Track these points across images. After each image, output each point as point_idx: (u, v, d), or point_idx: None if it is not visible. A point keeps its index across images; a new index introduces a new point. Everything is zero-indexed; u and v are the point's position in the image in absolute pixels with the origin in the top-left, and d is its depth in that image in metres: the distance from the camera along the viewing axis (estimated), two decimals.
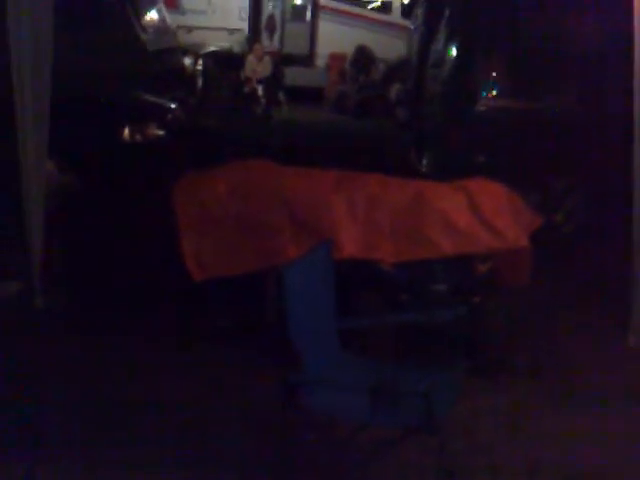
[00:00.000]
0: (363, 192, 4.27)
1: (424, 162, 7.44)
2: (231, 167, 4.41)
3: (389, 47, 13.08)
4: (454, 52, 6.93)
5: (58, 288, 4.48)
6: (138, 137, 6.11)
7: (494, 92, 6.62)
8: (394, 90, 11.64)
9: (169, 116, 6.78)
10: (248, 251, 4.10)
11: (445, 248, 4.15)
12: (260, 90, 12.01)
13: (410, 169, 7.40)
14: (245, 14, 13.91)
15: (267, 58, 12.57)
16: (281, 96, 12.55)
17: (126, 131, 6.05)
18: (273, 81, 12.41)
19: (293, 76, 13.67)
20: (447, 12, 7.60)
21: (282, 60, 13.75)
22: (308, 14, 14.45)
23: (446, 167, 6.69)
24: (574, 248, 5.82)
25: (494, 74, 6.64)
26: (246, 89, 11.95)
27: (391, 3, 14.26)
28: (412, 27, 10.48)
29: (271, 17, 14.33)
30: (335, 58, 13.81)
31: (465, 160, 6.40)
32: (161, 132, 6.33)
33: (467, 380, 3.58)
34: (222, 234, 4.13)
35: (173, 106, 6.98)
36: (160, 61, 8.83)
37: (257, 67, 12.31)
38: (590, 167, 6.02)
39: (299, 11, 14.54)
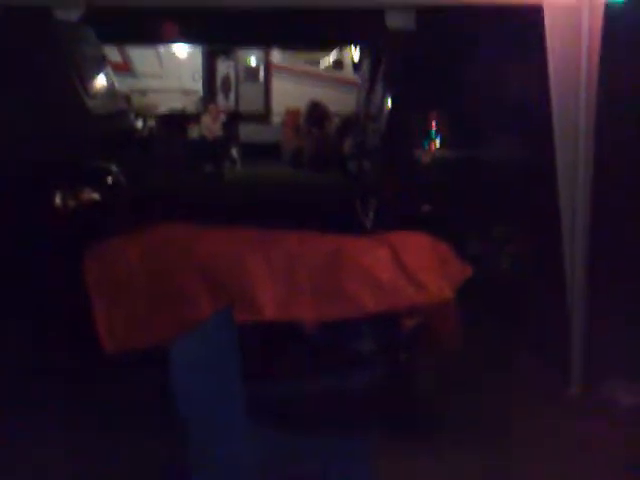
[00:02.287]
0: (280, 250, 4.13)
1: (368, 215, 7.42)
2: (143, 231, 4.27)
3: (342, 102, 13.27)
4: (391, 105, 7.00)
5: None
6: (71, 202, 5.99)
7: (432, 144, 6.66)
8: (347, 144, 11.71)
9: (109, 179, 6.69)
10: (163, 320, 3.92)
11: (367, 304, 3.99)
12: (215, 148, 12.03)
13: (355, 222, 7.37)
14: (199, 76, 14.08)
15: (222, 117, 12.65)
16: (234, 153, 12.60)
17: (57, 196, 5.93)
18: (227, 139, 12.47)
19: (249, 133, 13.80)
20: (384, 67, 7.72)
21: (237, 118, 13.86)
22: (262, 74, 14.68)
23: (388, 219, 6.68)
24: (512, 297, 5.75)
25: (431, 126, 6.70)
26: (200, 148, 11.98)
27: (342, 61, 14.52)
28: (359, 82, 10.64)
29: (226, 78, 14.53)
30: (290, 114, 13.97)
31: (406, 211, 6.40)
32: (97, 196, 6.22)
33: (393, 444, 3.43)
34: (134, 302, 3.94)
35: (114, 169, 6.90)
36: (107, 124, 8.83)
37: (212, 126, 12.37)
38: (532, 213, 6.00)
39: (253, 71, 14.78)
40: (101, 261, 4.12)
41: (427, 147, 6.63)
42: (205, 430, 2.70)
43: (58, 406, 3.91)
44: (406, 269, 4.19)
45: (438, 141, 6.66)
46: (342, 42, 12.90)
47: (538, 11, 3.84)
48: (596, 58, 3.88)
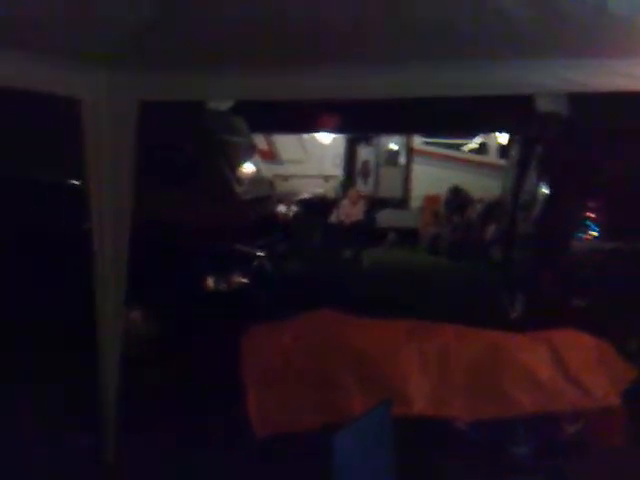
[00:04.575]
0: (436, 343, 4.09)
1: (515, 306, 7.14)
2: (298, 319, 4.35)
3: (486, 187, 13.03)
4: (546, 192, 6.78)
5: (130, 442, 4.41)
6: (223, 286, 6.23)
7: (588, 233, 6.37)
8: (490, 230, 11.47)
9: (255, 264, 6.91)
10: (313, 406, 3.97)
11: (526, 405, 3.85)
12: (353, 233, 12.17)
13: (500, 313, 7.12)
14: (340, 161, 14.39)
15: (361, 202, 12.83)
16: (392, 237, 12.78)
17: (210, 280, 6.18)
18: (366, 224, 12.61)
19: (387, 218, 13.87)
20: (538, 153, 7.54)
21: (376, 203, 14.01)
22: (402, 159, 14.78)
23: (538, 312, 6.38)
24: None
25: (587, 215, 6.41)
26: (338, 233, 12.19)
27: (487, 145, 14.36)
28: (506, 167, 10.48)
29: (365, 163, 14.75)
30: (429, 200, 13.91)
31: (558, 305, 6.10)
32: (245, 280, 6.43)
33: None
34: (287, 388, 4.03)
35: (260, 254, 7.12)
36: (253, 210, 9.17)
37: (351, 211, 12.56)
38: None
39: (393, 156, 14.89)
40: (256, 347, 4.23)
41: (583, 237, 6.34)
42: None
43: None
44: (567, 370, 3.97)
45: (594, 231, 6.37)
46: (489, 128, 12.78)
47: None
48: None
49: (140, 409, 4.72)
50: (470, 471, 3.77)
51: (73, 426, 4.48)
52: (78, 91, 3.78)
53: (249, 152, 10.08)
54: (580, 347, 4.07)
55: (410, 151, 14.64)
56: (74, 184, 5.47)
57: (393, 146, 14.90)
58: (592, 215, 6.34)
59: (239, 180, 9.18)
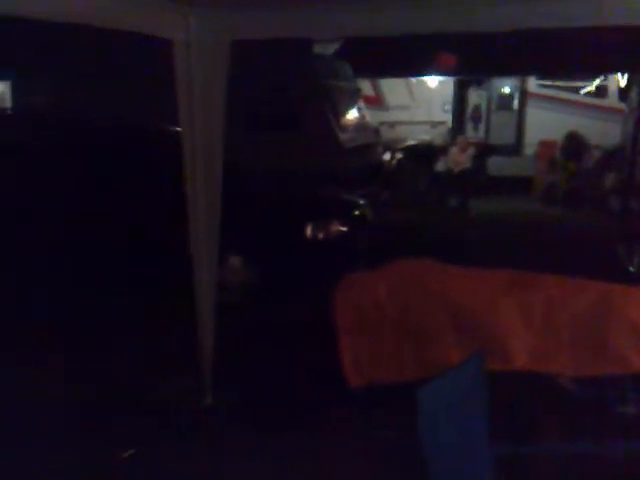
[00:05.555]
0: (539, 295, 3.85)
1: (634, 260, 6.69)
2: (392, 268, 4.21)
3: (605, 133, 12.21)
4: None
5: (228, 385, 4.49)
6: (320, 234, 6.14)
7: None
8: (609, 179, 10.79)
9: (355, 212, 6.77)
10: (407, 358, 3.86)
11: (636, 363, 3.56)
12: (461, 182, 11.77)
13: (616, 267, 6.68)
14: (449, 106, 13.87)
15: (470, 149, 12.35)
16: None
17: (309, 228, 6.11)
18: (474, 172, 12.14)
19: (499, 166, 13.30)
20: None
21: (487, 150, 13.44)
22: (515, 102, 14.03)
23: None
24: None
25: None
26: (445, 181, 11.81)
27: (607, 87, 13.40)
28: (626, 111, 9.76)
29: (477, 107, 14.12)
30: (544, 146, 13.17)
31: None
32: (344, 229, 6.31)
33: None
34: (381, 339, 3.93)
35: (361, 202, 6.97)
36: (357, 157, 9.03)
37: (459, 158, 12.13)
38: None
39: (506, 100, 14.13)
40: (349, 297, 4.13)
41: None
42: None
43: (297, 440, 3.91)
44: None
45: None
46: (608, 68, 11.87)
47: None
48: None
49: (236, 354, 4.80)
50: (572, 429, 3.55)
51: (173, 369, 4.60)
52: (168, 31, 3.69)
53: (354, 98, 9.90)
54: None
55: (524, 94, 13.87)
56: (166, 128, 5.49)
57: (506, 89, 14.17)
58: None
59: (343, 127, 9.05)
